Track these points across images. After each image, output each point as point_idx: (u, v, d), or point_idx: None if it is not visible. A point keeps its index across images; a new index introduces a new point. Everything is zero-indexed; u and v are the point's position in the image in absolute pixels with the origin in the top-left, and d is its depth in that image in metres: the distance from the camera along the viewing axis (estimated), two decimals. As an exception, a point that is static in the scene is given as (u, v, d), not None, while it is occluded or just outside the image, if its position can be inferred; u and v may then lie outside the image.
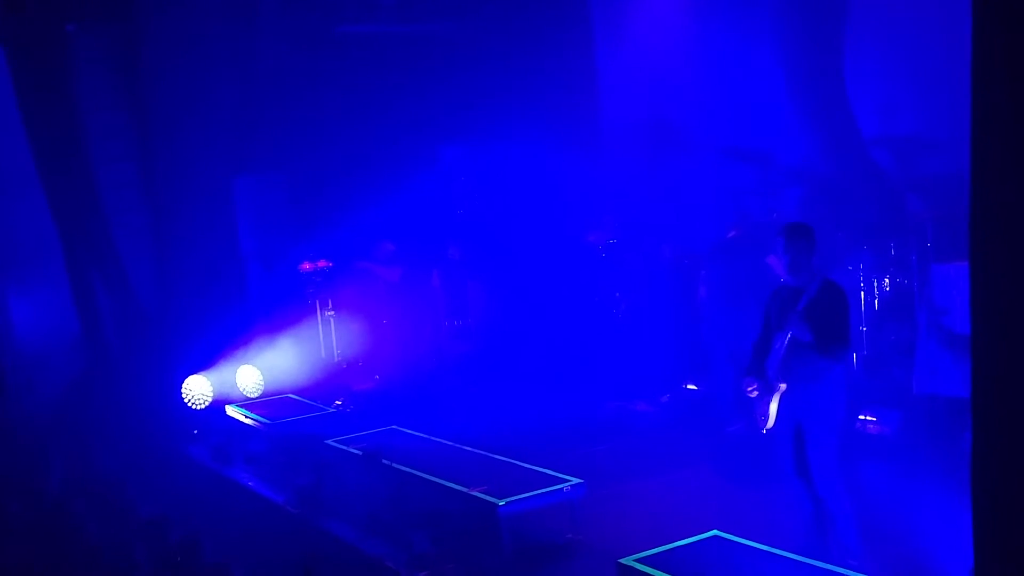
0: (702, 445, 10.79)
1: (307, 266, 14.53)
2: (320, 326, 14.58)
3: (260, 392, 13.96)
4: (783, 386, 7.30)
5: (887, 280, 11.54)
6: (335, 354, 14.58)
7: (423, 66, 15.10)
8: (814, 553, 7.19)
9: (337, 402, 13.52)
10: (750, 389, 7.48)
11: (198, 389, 13.46)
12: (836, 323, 7.15)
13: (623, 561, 7.02)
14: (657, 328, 13.02)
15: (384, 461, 9.64)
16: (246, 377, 13.96)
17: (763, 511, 8.65)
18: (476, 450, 9.98)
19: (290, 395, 13.71)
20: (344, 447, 10.60)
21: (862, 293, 11.52)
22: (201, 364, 13.62)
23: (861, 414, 10.34)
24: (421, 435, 10.87)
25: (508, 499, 8.30)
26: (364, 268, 14.26)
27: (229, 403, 13.41)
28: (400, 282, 14.15)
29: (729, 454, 10.41)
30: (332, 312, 14.56)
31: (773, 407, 7.35)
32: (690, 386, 12.33)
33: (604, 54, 15.33)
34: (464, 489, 8.67)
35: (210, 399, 13.52)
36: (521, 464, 9.33)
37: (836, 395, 7.27)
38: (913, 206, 11.62)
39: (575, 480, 8.65)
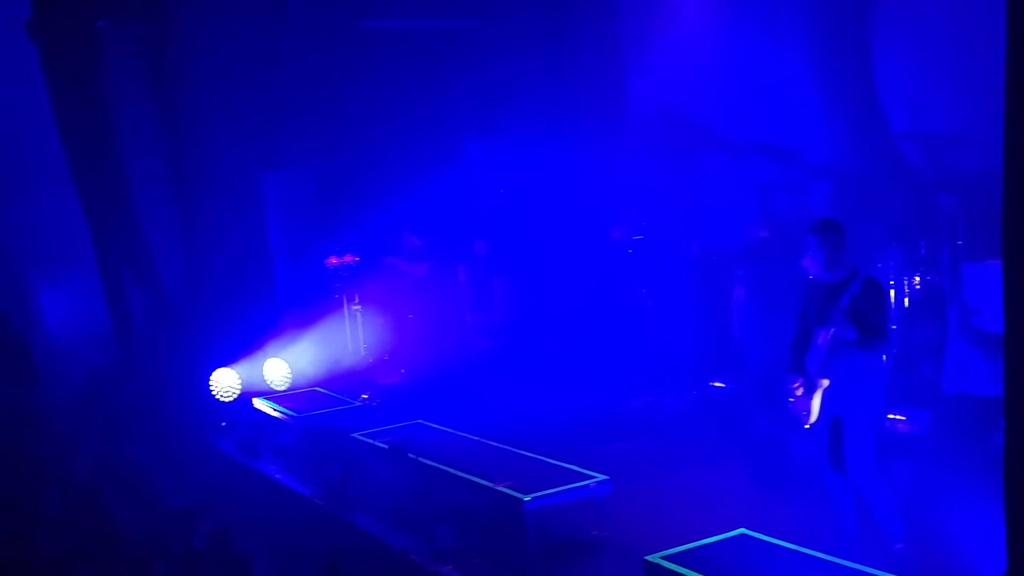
0: (729, 442, 10.74)
1: (334, 260, 14.55)
2: (347, 320, 14.61)
3: (287, 385, 14.01)
4: (825, 382, 7.30)
5: (917, 278, 11.46)
6: (362, 348, 14.61)
7: (449, 61, 15.09)
8: (854, 547, 7.18)
9: (364, 396, 13.53)
10: (795, 386, 7.46)
11: (226, 382, 13.53)
12: (877, 318, 7.18)
13: (649, 558, 7.02)
14: (684, 325, 12.97)
15: (410, 455, 9.66)
16: (274, 370, 14.01)
17: (790, 509, 8.62)
18: (502, 445, 9.98)
19: (317, 388, 13.75)
20: (370, 441, 10.61)
21: (892, 291, 11.44)
22: (229, 357, 13.69)
23: (891, 413, 10.27)
24: (447, 429, 10.87)
25: (534, 494, 8.30)
26: (390, 263, 14.27)
27: (257, 396, 13.46)
28: (426, 277, 14.16)
29: (756, 452, 10.36)
30: (359, 306, 14.58)
31: (815, 403, 7.35)
32: (716, 383, 12.26)
33: (631, 49, 15.28)
34: (490, 484, 8.67)
35: (238, 392, 13.58)
36: (547, 460, 9.32)
37: (876, 389, 7.33)
38: (944, 203, 11.52)
39: (601, 476, 8.64)
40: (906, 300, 11.51)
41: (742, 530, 7.39)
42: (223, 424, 13.25)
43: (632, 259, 13.89)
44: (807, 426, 7.48)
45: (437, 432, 10.86)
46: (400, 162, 14.72)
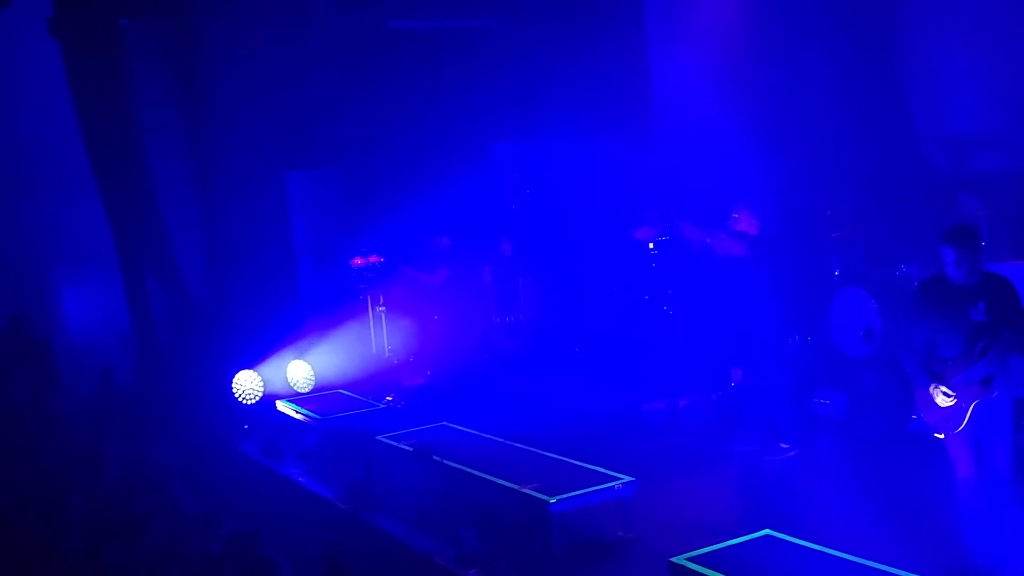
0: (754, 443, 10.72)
1: (359, 262, 14.57)
2: (371, 322, 14.62)
3: (311, 387, 14.00)
4: (980, 389, 7.03)
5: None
6: (386, 350, 14.62)
7: (475, 61, 15.10)
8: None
9: (388, 398, 13.55)
10: (945, 395, 7.11)
11: (249, 384, 13.53)
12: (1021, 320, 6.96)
13: (675, 560, 7.00)
14: (708, 324, 12.96)
15: (435, 457, 9.66)
16: (297, 372, 14.02)
17: (815, 510, 8.62)
18: (527, 447, 9.95)
19: (341, 391, 13.72)
20: (395, 443, 10.59)
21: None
22: (252, 359, 13.70)
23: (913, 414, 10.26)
24: (472, 432, 10.85)
25: (559, 496, 8.28)
26: (407, 272, 14.28)
27: (280, 398, 13.46)
28: (443, 285, 14.17)
29: (780, 453, 10.36)
30: (383, 308, 14.59)
31: (969, 411, 7.05)
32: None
33: (657, 49, 15.30)
34: (515, 486, 8.65)
35: (261, 394, 13.59)
36: (572, 461, 9.30)
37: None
38: (967, 205, 11.51)
39: (626, 478, 8.62)
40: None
41: (767, 531, 7.39)
42: (246, 427, 13.25)
43: (657, 259, 13.89)
44: (950, 434, 7.18)
45: (461, 434, 10.84)
46: (426, 162, 14.73)
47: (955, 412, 7.10)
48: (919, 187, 12.11)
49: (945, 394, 7.09)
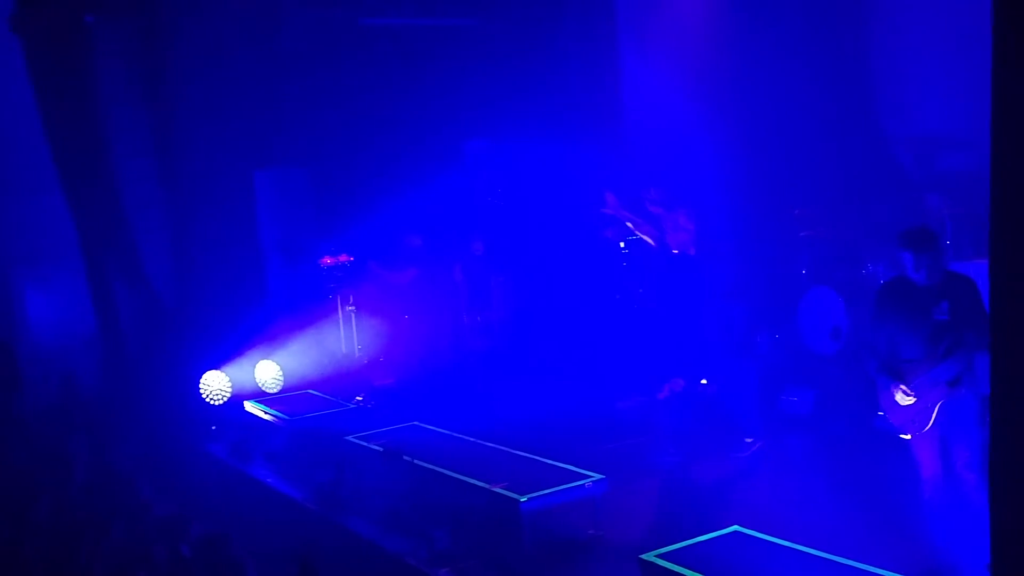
0: (723, 440, 10.78)
1: (328, 261, 14.54)
2: (341, 321, 14.59)
3: (280, 388, 13.94)
4: (945, 389, 7.06)
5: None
6: (356, 349, 14.59)
7: (447, 60, 15.08)
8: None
9: (358, 398, 13.52)
10: (905, 394, 7.16)
11: (217, 385, 13.45)
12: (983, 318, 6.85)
13: (644, 557, 7.04)
14: (674, 324, 13.00)
15: (405, 457, 9.65)
16: (265, 372, 13.95)
17: (783, 506, 8.67)
18: (497, 446, 9.97)
19: (310, 391, 13.68)
20: (365, 443, 10.57)
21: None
22: (220, 359, 13.63)
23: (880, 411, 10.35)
24: (442, 431, 10.85)
25: (529, 495, 8.30)
26: (375, 270, 14.26)
27: (248, 399, 13.41)
28: (412, 284, 14.16)
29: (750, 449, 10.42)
30: (353, 307, 14.57)
31: (935, 411, 7.08)
32: (705, 381, 12.29)
33: (628, 48, 15.35)
34: (485, 485, 8.67)
35: (229, 395, 13.52)
36: (543, 460, 9.33)
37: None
38: (933, 204, 11.62)
39: (597, 476, 8.66)
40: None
41: (736, 527, 7.44)
42: (213, 428, 13.16)
43: (628, 258, 13.93)
44: (912, 435, 7.25)
45: (432, 434, 10.83)
46: (397, 161, 14.70)
47: (920, 412, 7.15)
48: (886, 186, 12.21)
49: (905, 393, 7.14)
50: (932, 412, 7.09)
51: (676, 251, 10.66)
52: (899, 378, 7.19)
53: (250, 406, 13.19)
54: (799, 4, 12.77)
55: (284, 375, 14.02)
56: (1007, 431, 4.02)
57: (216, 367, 13.51)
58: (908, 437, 7.40)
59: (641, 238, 11.50)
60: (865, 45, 12.64)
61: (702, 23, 13.71)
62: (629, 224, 11.41)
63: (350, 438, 10.86)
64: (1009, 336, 3.99)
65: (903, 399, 7.15)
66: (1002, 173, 3.92)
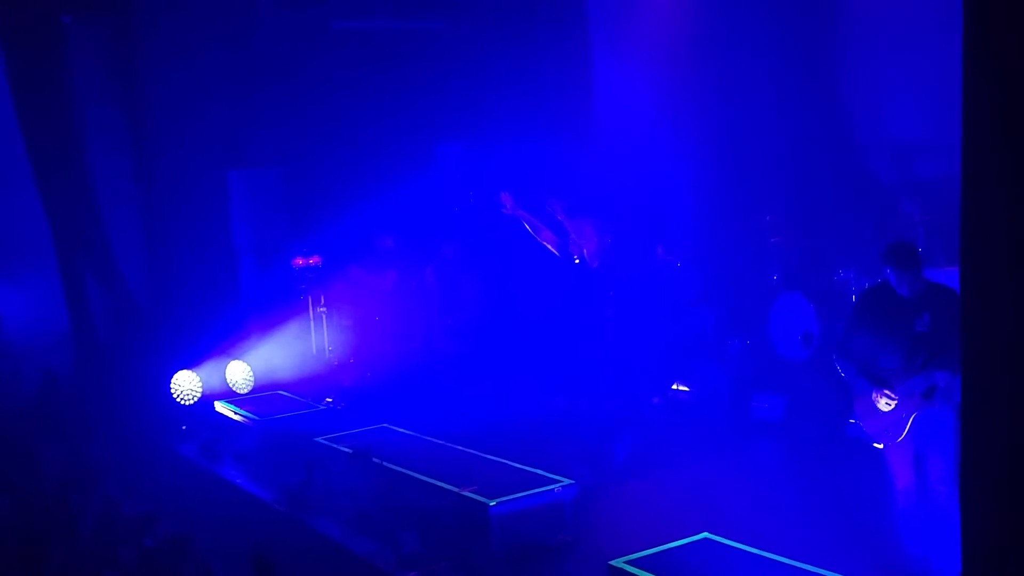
0: (693, 446, 10.78)
1: (300, 262, 14.50)
2: (312, 322, 14.56)
3: (250, 388, 13.90)
4: (923, 399, 7.06)
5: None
6: (326, 351, 14.56)
7: (421, 63, 15.09)
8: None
9: (328, 399, 13.49)
10: (888, 399, 7.15)
11: (187, 384, 13.40)
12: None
13: (613, 563, 7.04)
14: (648, 329, 13.01)
15: (374, 459, 9.63)
16: (236, 373, 13.91)
17: (753, 513, 8.67)
18: (468, 449, 9.96)
19: (280, 392, 13.66)
20: (334, 445, 10.56)
21: (854, 298, 11.54)
22: (191, 359, 13.58)
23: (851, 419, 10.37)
24: (412, 434, 10.84)
25: (499, 499, 8.30)
26: (355, 273, 14.23)
27: (218, 399, 13.37)
28: (386, 285, 14.14)
29: (720, 456, 10.42)
30: (324, 308, 14.54)
31: (909, 422, 7.09)
32: (680, 387, 12.31)
33: (600, 53, 15.36)
34: (455, 489, 8.66)
35: (199, 395, 13.47)
36: (512, 464, 9.32)
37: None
38: (906, 210, 11.64)
39: (566, 481, 8.65)
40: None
41: (705, 534, 7.43)
42: (184, 428, 13.14)
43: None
44: (886, 444, 7.25)
45: (402, 436, 10.82)
46: (369, 163, 14.70)
47: (895, 422, 7.15)
48: (858, 192, 12.23)
49: (888, 398, 7.12)
50: (907, 423, 7.10)
51: (577, 260, 10.72)
52: (881, 383, 7.17)
53: (220, 406, 13.16)
54: (771, 9, 12.78)
55: (255, 375, 13.97)
56: (977, 438, 4.03)
57: (187, 367, 13.45)
58: (881, 446, 7.40)
59: (544, 244, 11.57)
60: (837, 51, 12.65)
61: (675, 28, 13.72)
62: (527, 227, 11.49)
63: (320, 439, 10.84)
64: (979, 344, 4.00)
65: (885, 405, 7.14)
66: (973, 179, 3.93)
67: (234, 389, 13.80)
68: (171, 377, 13.31)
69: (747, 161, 13.22)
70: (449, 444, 10.24)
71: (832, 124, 12.57)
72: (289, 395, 13.44)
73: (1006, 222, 3.81)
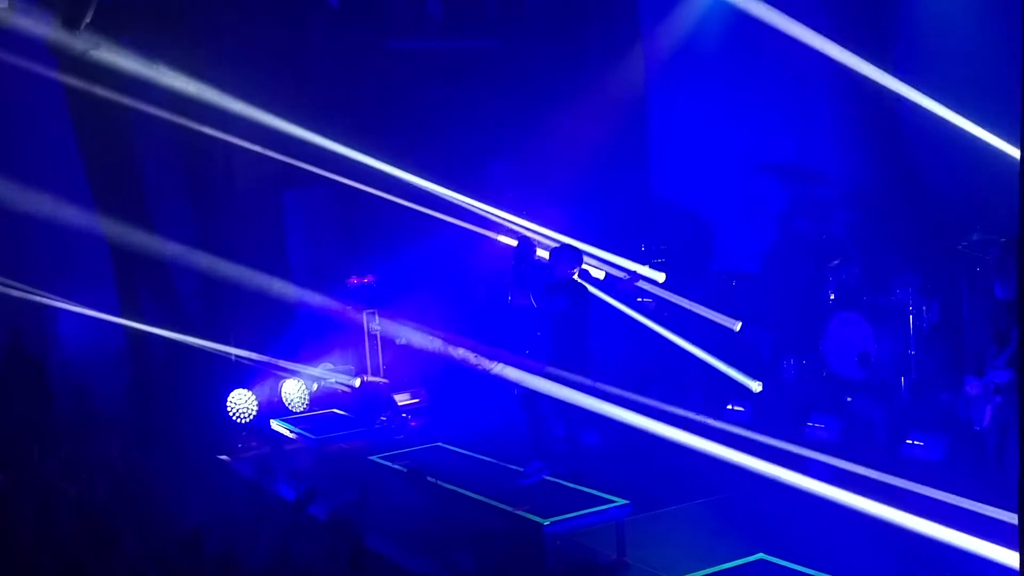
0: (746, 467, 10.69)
1: (354, 281, 14.56)
2: (367, 340, 14.61)
3: (305, 406, 13.99)
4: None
5: (936, 303, 11.49)
6: (381, 369, 14.61)
7: (475, 83, 15.11)
8: None
9: (382, 418, 13.52)
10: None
11: (243, 403, 13.52)
12: None
13: (668, 583, 7.02)
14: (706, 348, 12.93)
15: (429, 478, 9.64)
16: (291, 391, 14.01)
17: (808, 535, 8.60)
18: (521, 469, 9.94)
19: (335, 410, 13.74)
20: (388, 463, 10.60)
21: (911, 316, 11.44)
22: (247, 378, 13.69)
23: (908, 439, 10.27)
24: (466, 452, 10.85)
25: (553, 519, 8.29)
26: (408, 291, 14.31)
27: (274, 417, 13.45)
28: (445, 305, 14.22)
29: (774, 476, 10.33)
30: (379, 327, 14.59)
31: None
32: (735, 407, 12.20)
33: (654, 72, 15.36)
34: (509, 508, 8.66)
35: (255, 413, 13.57)
36: (567, 484, 9.31)
37: None
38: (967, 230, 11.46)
39: (621, 500, 8.63)
40: (924, 325, 11.51)
41: (760, 555, 7.39)
42: (239, 446, 13.24)
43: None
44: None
45: (456, 455, 10.84)
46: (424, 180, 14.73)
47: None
48: (917, 209, 12.07)
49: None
50: None
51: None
52: None
53: (276, 424, 13.23)
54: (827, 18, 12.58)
55: (310, 394, 14.04)
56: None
57: (243, 385, 13.55)
58: None
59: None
60: (891, 57, 12.49)
61: (727, 46, 13.69)
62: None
63: (374, 458, 10.88)
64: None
65: None
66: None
67: (290, 407, 13.88)
68: (227, 395, 13.41)
69: (801, 178, 13.17)
70: (503, 463, 10.23)
71: (889, 141, 12.44)
72: (344, 413, 13.49)
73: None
